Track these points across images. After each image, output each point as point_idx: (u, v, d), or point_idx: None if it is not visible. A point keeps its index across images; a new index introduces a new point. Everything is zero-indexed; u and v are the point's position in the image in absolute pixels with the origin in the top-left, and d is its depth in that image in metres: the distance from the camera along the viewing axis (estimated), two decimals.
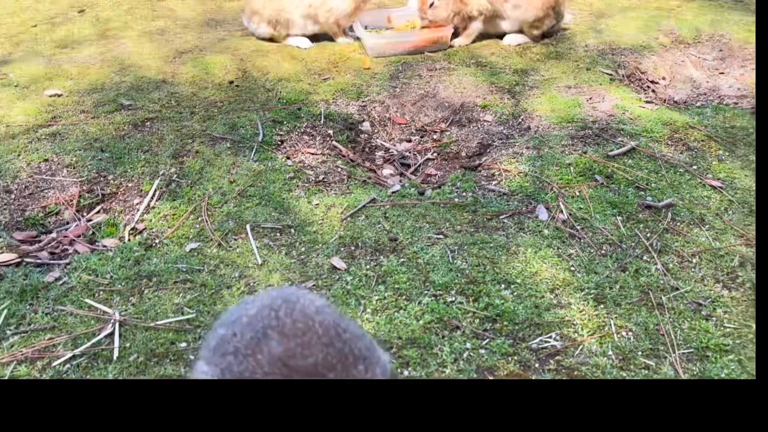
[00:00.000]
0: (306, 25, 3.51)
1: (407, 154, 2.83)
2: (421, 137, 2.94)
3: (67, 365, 1.61)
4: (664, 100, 3.00)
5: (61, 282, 1.87)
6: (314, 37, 3.57)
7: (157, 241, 2.04)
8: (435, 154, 2.81)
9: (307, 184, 2.37)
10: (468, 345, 1.67)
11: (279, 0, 3.41)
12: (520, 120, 2.83)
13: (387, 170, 2.70)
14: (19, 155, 2.40)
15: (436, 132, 2.96)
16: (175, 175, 2.36)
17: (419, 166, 2.73)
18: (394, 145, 2.88)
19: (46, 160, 2.38)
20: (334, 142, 2.74)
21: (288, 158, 2.55)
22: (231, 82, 3.08)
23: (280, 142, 2.65)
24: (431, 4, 3.33)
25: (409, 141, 2.92)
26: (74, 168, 2.37)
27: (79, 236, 2.11)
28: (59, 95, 2.86)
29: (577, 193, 2.24)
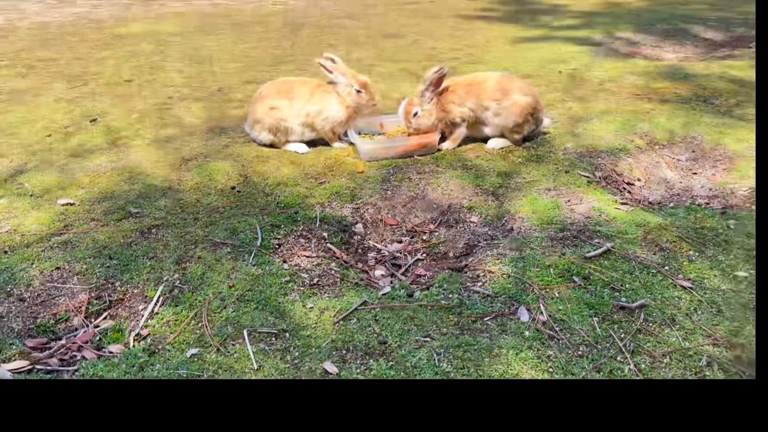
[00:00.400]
0: (304, 132, 3.76)
1: (398, 254, 2.99)
2: (411, 238, 3.11)
3: None
4: (639, 201, 3.19)
5: None
6: (311, 142, 3.81)
7: (159, 347, 2.17)
8: (424, 255, 2.97)
9: (302, 288, 2.51)
10: None
11: (279, 110, 3.66)
12: (503, 221, 3.01)
13: (379, 271, 2.85)
14: (32, 263, 2.56)
15: (425, 233, 3.13)
16: (178, 281, 2.51)
17: (409, 266, 2.89)
18: (386, 246, 3.05)
19: (57, 268, 2.54)
20: (328, 245, 2.90)
21: (285, 262, 2.70)
22: (233, 188, 3.29)
23: (277, 246, 2.82)
24: (415, 114, 3.59)
25: (400, 242, 3.09)
26: (84, 275, 2.52)
27: (86, 342, 2.24)
28: (71, 204, 3.05)
29: (557, 295, 2.37)
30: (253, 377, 2.02)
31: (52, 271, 2.53)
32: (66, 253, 2.64)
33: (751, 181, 3.29)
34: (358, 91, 3.63)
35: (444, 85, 3.61)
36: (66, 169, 3.46)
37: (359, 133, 3.83)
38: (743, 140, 3.60)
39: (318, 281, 2.60)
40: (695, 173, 3.49)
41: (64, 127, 4.11)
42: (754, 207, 3.01)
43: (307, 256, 2.77)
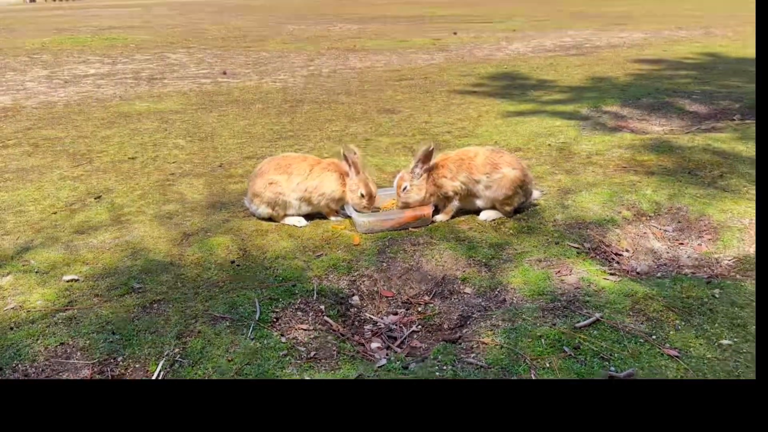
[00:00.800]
0: (301, 206, 3.89)
1: (394, 326, 3.06)
2: (407, 309, 3.19)
3: None
4: (627, 272, 3.29)
5: None
6: (309, 215, 3.93)
7: None
8: (419, 326, 3.04)
9: (299, 361, 2.57)
10: None
11: (278, 185, 3.80)
12: (496, 292, 3.10)
13: (375, 343, 2.91)
14: (37, 339, 2.63)
15: (420, 304, 3.21)
16: (179, 355, 2.57)
17: (405, 338, 2.95)
18: (382, 318, 3.12)
19: (62, 344, 2.60)
20: (325, 318, 2.97)
21: (282, 335, 2.77)
22: (232, 262, 3.38)
23: (275, 319, 2.89)
24: (404, 188, 3.74)
25: (396, 314, 3.16)
26: (87, 351, 2.58)
27: None
28: (76, 280, 3.14)
29: (548, 365, 2.43)
30: None
31: (57, 346, 2.59)
32: (70, 328, 2.71)
33: (735, 251, 3.39)
34: (362, 196, 3.76)
35: (435, 160, 3.77)
36: (71, 246, 3.57)
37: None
38: (727, 211, 3.73)
39: (315, 354, 2.66)
40: (682, 244, 3.59)
41: (70, 205, 4.23)
42: (738, 276, 3.11)
43: (305, 329, 2.84)
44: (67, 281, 3.14)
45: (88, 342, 2.62)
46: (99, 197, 4.35)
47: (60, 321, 2.76)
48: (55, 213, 4.09)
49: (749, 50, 11.57)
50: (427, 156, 3.70)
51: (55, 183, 4.70)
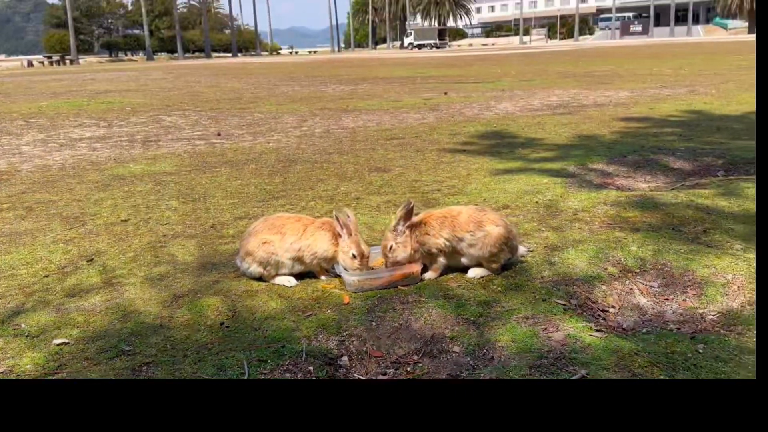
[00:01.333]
0: (294, 266, 3.93)
1: None
2: (396, 370, 3.19)
3: None
4: (614, 328, 3.32)
5: None
6: (299, 275, 3.97)
7: None
8: None
9: None
10: None
11: (271, 244, 3.86)
12: (484, 351, 3.12)
13: None
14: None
15: (409, 364, 3.22)
16: None
17: None
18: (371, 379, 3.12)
19: None
20: (313, 379, 2.98)
21: None
22: (222, 324, 3.40)
23: None
24: (390, 248, 3.80)
25: (385, 374, 3.17)
26: None
27: None
28: (66, 344, 3.15)
29: None
30: None
31: None
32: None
33: (719, 306, 3.44)
34: (354, 257, 3.82)
35: (419, 217, 3.86)
36: (62, 309, 3.59)
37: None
38: (710, 266, 3.79)
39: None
40: (667, 299, 3.64)
41: (62, 268, 4.27)
42: (722, 331, 3.15)
43: None
44: (58, 345, 3.15)
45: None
46: (91, 260, 4.39)
47: None
48: (47, 276, 4.12)
49: (731, 107, 11.88)
50: (408, 213, 3.79)
51: (48, 246, 4.75)
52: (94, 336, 3.25)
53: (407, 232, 3.83)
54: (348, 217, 3.84)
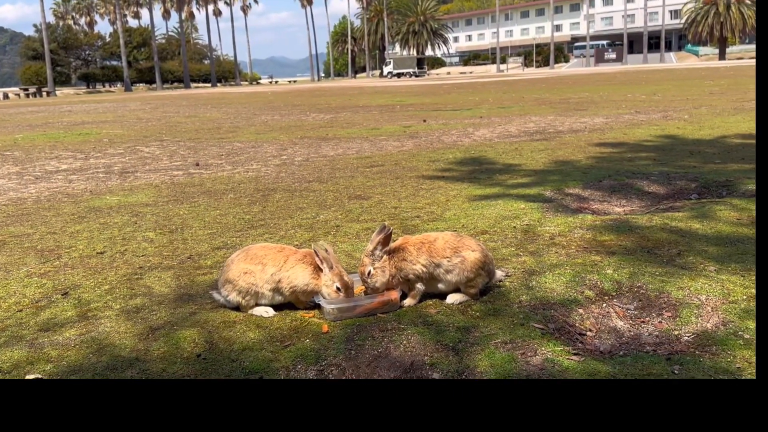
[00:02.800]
0: (274, 297, 3.91)
1: None
2: None
3: None
4: (591, 351, 3.34)
5: None
6: (277, 306, 3.95)
7: None
8: None
9: None
10: None
11: (251, 274, 3.84)
12: (463, 377, 3.11)
13: None
14: None
15: None
16: None
17: None
18: None
19: None
20: None
21: None
22: (199, 356, 3.36)
23: None
24: (368, 273, 3.81)
25: None
26: None
27: None
28: (39, 379, 3.09)
29: None
30: None
31: None
32: None
33: (694, 327, 3.47)
34: (338, 289, 3.82)
35: (396, 243, 3.87)
36: (35, 344, 3.53)
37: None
38: (685, 288, 3.84)
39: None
40: (643, 321, 3.67)
41: (36, 302, 4.20)
42: (697, 352, 3.17)
43: None
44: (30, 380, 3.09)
45: None
46: (66, 293, 4.33)
47: None
48: (20, 311, 4.05)
49: (704, 132, 12.13)
50: (386, 238, 3.81)
51: (22, 280, 4.67)
52: (68, 371, 3.20)
53: (385, 257, 3.84)
54: (326, 250, 3.84)
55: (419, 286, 3.88)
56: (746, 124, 12.91)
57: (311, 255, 3.92)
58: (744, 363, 2.98)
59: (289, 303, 3.98)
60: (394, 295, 3.86)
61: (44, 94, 67.78)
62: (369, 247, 3.86)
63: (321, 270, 3.85)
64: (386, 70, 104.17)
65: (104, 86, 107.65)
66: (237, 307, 3.92)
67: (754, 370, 2.89)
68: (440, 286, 3.91)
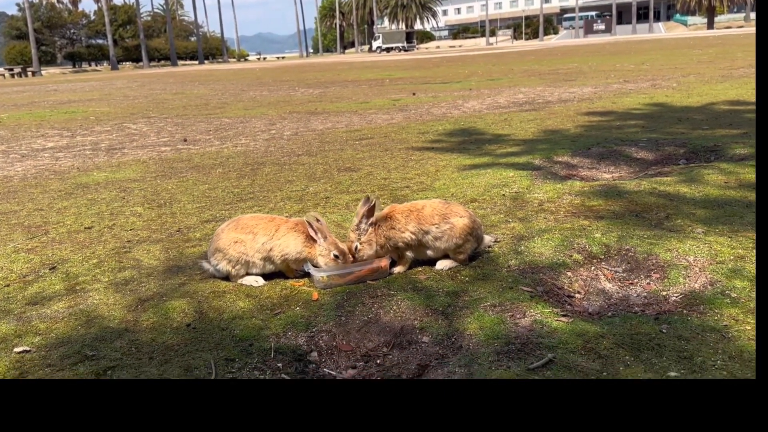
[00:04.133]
0: (265, 266, 3.89)
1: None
2: (366, 363, 3.18)
3: None
4: (580, 313, 3.36)
5: None
6: (267, 275, 3.94)
7: None
8: (378, 379, 3.03)
9: None
10: None
11: (242, 243, 3.81)
12: (453, 339, 3.12)
13: None
14: None
15: (379, 356, 3.21)
16: None
17: None
18: (341, 373, 3.11)
19: None
20: (282, 375, 2.95)
21: None
22: (188, 325, 3.36)
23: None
24: (356, 248, 3.80)
25: (355, 368, 3.16)
26: None
27: None
28: (27, 351, 3.08)
29: None
30: None
31: None
32: None
33: (681, 287, 3.49)
34: (336, 257, 3.80)
35: (385, 211, 3.86)
36: (23, 317, 3.51)
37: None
38: (673, 249, 3.85)
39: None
40: (631, 283, 3.69)
41: (23, 277, 4.18)
42: (685, 311, 3.20)
43: None
44: (18, 353, 3.08)
45: None
46: (54, 268, 4.31)
47: None
48: (7, 285, 4.02)
49: (692, 99, 12.11)
50: (370, 210, 3.78)
51: (9, 256, 4.64)
52: (56, 342, 3.19)
53: (370, 229, 3.83)
54: (318, 221, 3.81)
55: (408, 253, 3.88)
56: (734, 91, 12.91)
57: (303, 224, 3.89)
58: (731, 321, 3.00)
59: (278, 273, 3.97)
60: (384, 262, 3.86)
61: (29, 74, 66.83)
62: (355, 221, 3.84)
63: (313, 239, 3.84)
64: (375, 44, 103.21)
65: (90, 65, 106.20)
66: (226, 277, 3.91)
67: (741, 328, 2.92)
68: (429, 253, 3.91)
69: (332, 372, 3.10)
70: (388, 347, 3.26)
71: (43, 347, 3.15)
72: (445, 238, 3.79)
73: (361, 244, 3.82)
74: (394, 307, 3.46)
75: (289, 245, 3.85)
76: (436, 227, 3.79)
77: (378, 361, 3.17)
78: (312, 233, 3.82)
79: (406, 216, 3.84)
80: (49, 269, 4.29)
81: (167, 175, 7.63)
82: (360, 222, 3.81)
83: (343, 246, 3.85)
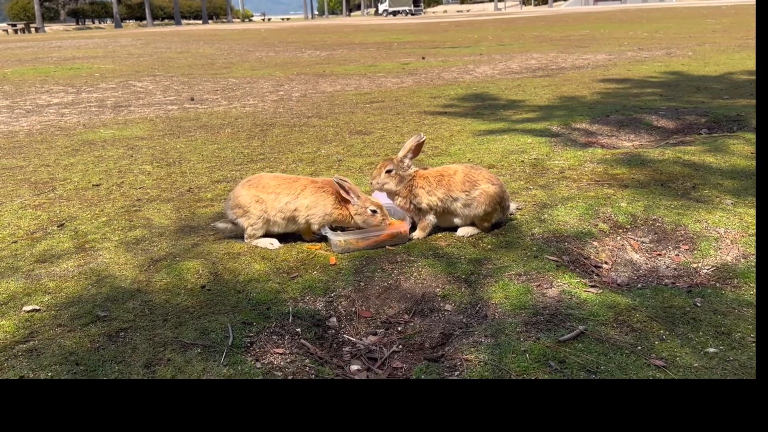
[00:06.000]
0: (288, 226, 3.76)
1: (373, 347, 2.95)
2: (387, 329, 3.09)
3: None
4: (608, 284, 3.24)
5: None
6: (282, 237, 3.81)
7: None
8: (400, 346, 2.94)
9: None
10: None
11: (264, 202, 3.68)
12: (477, 308, 3.02)
13: (354, 365, 2.80)
14: None
15: (400, 323, 3.11)
16: None
17: (385, 359, 2.85)
18: (361, 340, 3.01)
19: (21, 377, 2.45)
20: (302, 341, 2.86)
21: (257, 360, 2.65)
22: (203, 287, 3.25)
23: (249, 344, 2.76)
24: (389, 171, 3.70)
25: (375, 334, 3.06)
26: None
27: None
28: (37, 310, 2.98)
29: (534, 380, 2.35)
30: None
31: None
32: (31, 361, 2.55)
33: (713, 260, 3.37)
34: (374, 212, 3.69)
35: (415, 171, 3.74)
36: (32, 275, 3.41)
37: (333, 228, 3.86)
38: (702, 221, 3.72)
39: (292, 379, 2.54)
40: (659, 254, 3.57)
41: (31, 233, 4.07)
42: (718, 285, 3.08)
43: (281, 354, 2.72)
44: (28, 312, 2.98)
45: (50, 374, 2.47)
46: (62, 225, 4.19)
47: (20, 353, 2.61)
48: (15, 242, 3.92)
49: (709, 68, 11.85)
50: (418, 147, 3.69)
51: (16, 212, 4.52)
52: (66, 302, 3.09)
53: (408, 173, 3.71)
54: (346, 181, 3.68)
55: (430, 217, 3.75)
56: (752, 61, 12.61)
57: (331, 184, 3.74)
58: None
59: (293, 235, 3.85)
60: (404, 227, 3.74)
61: (33, 30, 65.96)
62: (400, 154, 3.72)
63: (344, 200, 3.70)
64: (381, 8, 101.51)
65: (93, 23, 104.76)
66: (240, 236, 3.78)
67: None
68: (455, 220, 3.78)
69: (352, 338, 3.00)
70: (409, 314, 3.16)
71: (53, 306, 3.06)
72: (474, 204, 3.66)
73: (395, 173, 3.69)
74: (415, 274, 3.35)
75: (317, 205, 3.71)
76: (466, 194, 3.66)
77: (399, 329, 3.07)
78: (344, 194, 3.68)
79: (438, 180, 3.71)
80: (58, 226, 4.17)
81: (175, 134, 7.47)
82: (405, 156, 3.69)
83: (377, 200, 3.74)
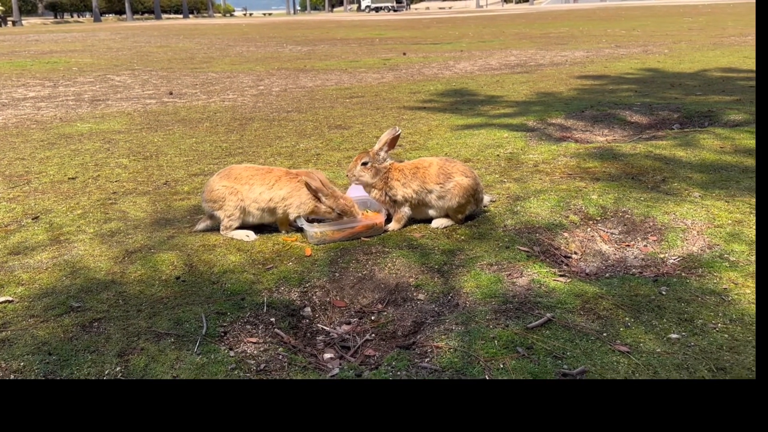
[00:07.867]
0: (263, 216, 3.78)
1: (347, 336, 2.99)
2: (360, 319, 3.13)
3: None
4: (577, 273, 3.31)
5: None
6: (258, 229, 3.84)
7: None
8: (373, 335, 2.98)
9: (248, 374, 2.48)
10: None
11: (239, 193, 3.70)
12: (449, 297, 3.07)
13: (327, 354, 2.84)
14: None
15: (373, 313, 3.16)
16: (120, 374, 2.45)
17: (358, 347, 2.89)
18: (335, 329, 3.05)
19: None
20: (276, 330, 2.89)
21: (231, 349, 2.67)
22: (178, 278, 3.27)
23: (223, 334, 2.79)
24: (364, 163, 3.72)
25: (349, 323, 3.10)
26: (21, 373, 2.44)
27: None
28: (9, 302, 2.98)
29: (502, 366, 2.41)
30: None
31: None
32: (3, 351, 2.56)
33: (679, 250, 3.46)
34: (339, 215, 3.74)
35: (391, 163, 3.77)
36: (5, 267, 3.40)
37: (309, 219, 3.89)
38: (670, 212, 3.81)
39: (265, 367, 2.57)
40: (628, 245, 3.64)
41: (5, 226, 4.05)
42: (683, 274, 3.16)
43: (254, 343, 2.75)
44: (1, 303, 2.98)
45: (22, 364, 2.48)
46: (36, 218, 4.18)
47: None
48: None
49: (684, 65, 12.02)
50: (394, 140, 3.72)
51: None
52: (40, 293, 3.09)
53: (383, 165, 3.74)
54: (314, 179, 3.69)
55: (405, 209, 3.80)
56: (726, 58, 12.82)
57: (306, 174, 3.76)
58: (730, 284, 2.97)
59: (269, 227, 3.88)
60: (379, 219, 3.78)
61: (9, 23, 64.94)
62: (376, 147, 3.74)
63: (318, 199, 3.73)
64: (364, 4, 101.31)
65: (72, 16, 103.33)
66: (216, 228, 3.80)
67: (741, 291, 2.89)
68: (430, 212, 3.83)
69: (326, 327, 3.04)
70: (382, 304, 3.21)
71: (27, 297, 3.06)
72: (448, 197, 3.71)
73: (371, 165, 3.72)
74: (389, 264, 3.40)
75: (293, 196, 3.74)
76: (440, 186, 3.70)
77: (372, 318, 3.12)
78: (312, 194, 3.71)
79: (413, 172, 3.75)
80: (32, 219, 4.16)
81: (153, 128, 7.44)
82: (381, 149, 3.72)
83: (346, 200, 3.77)
